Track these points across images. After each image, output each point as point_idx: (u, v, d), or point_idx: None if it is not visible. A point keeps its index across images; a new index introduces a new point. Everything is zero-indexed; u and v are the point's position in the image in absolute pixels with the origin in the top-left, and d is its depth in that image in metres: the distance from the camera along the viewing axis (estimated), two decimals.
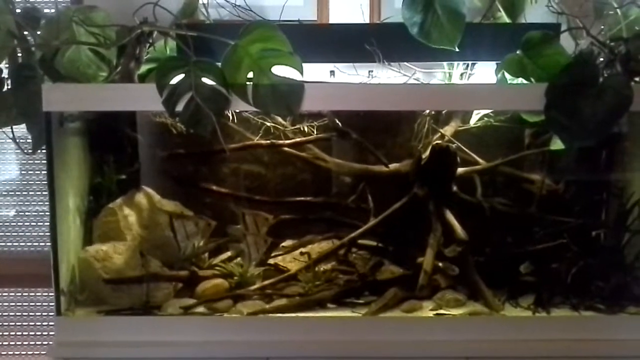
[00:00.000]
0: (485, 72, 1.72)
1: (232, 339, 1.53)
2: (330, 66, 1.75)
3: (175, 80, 1.41)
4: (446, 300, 1.63)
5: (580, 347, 1.53)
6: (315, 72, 1.71)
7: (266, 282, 1.66)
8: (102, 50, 1.55)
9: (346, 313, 1.59)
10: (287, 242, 1.83)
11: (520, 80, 1.56)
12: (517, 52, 1.53)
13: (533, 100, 1.46)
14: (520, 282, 1.68)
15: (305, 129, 1.76)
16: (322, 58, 1.66)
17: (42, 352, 2.20)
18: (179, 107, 1.41)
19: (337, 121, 1.75)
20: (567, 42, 1.59)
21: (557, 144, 1.65)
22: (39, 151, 1.59)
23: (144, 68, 1.59)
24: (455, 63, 1.74)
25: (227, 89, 1.41)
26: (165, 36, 1.59)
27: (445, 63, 1.75)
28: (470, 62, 1.74)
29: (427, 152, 1.72)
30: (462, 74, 1.77)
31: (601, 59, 1.58)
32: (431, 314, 1.59)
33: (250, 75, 1.42)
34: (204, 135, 1.42)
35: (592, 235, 1.72)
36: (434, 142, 1.71)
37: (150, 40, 1.56)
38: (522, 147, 1.78)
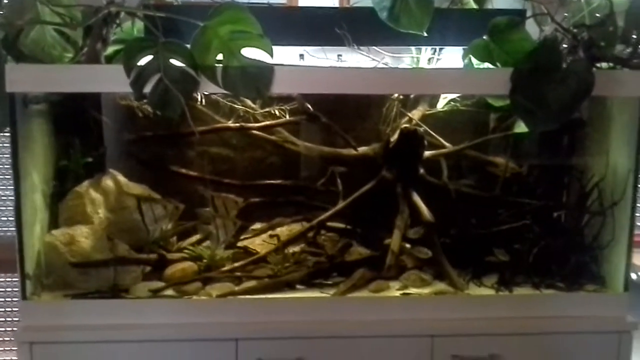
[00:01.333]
0: (452, 57, 1.74)
1: (200, 321, 1.54)
2: (299, 49, 1.75)
3: (143, 61, 1.39)
4: (412, 280, 1.66)
5: (541, 324, 1.59)
6: (284, 55, 1.71)
7: (235, 264, 1.66)
8: (67, 31, 1.51)
9: (315, 294, 1.61)
10: (257, 225, 1.84)
11: (487, 65, 1.59)
12: (484, 37, 1.56)
13: (499, 84, 1.48)
14: (484, 262, 1.73)
15: (275, 112, 1.77)
16: (291, 41, 1.66)
17: (6, 339, 2.18)
18: (147, 89, 1.39)
19: (307, 104, 1.75)
20: (532, 29, 1.62)
21: (520, 128, 1.69)
22: (0, 134, 1.56)
23: (111, 49, 1.56)
24: (423, 48, 1.77)
25: (196, 70, 1.40)
26: (133, 17, 1.56)
27: (413, 48, 1.77)
28: (438, 47, 1.76)
29: (396, 136, 1.74)
30: (429, 59, 1.79)
31: (565, 45, 1.62)
32: (397, 293, 1.62)
33: (220, 57, 1.41)
34: (173, 117, 1.41)
35: (553, 216, 1.77)
36: (402, 126, 1.74)
37: (118, 21, 1.53)
38: (488, 131, 1.82)
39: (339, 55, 1.76)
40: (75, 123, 1.66)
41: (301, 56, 1.78)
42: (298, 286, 1.65)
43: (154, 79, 1.39)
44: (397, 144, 1.72)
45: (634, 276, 1.96)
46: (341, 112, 1.80)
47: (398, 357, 1.56)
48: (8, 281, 2.13)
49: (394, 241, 1.65)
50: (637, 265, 2.00)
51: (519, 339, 1.59)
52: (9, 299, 2.15)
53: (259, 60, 1.43)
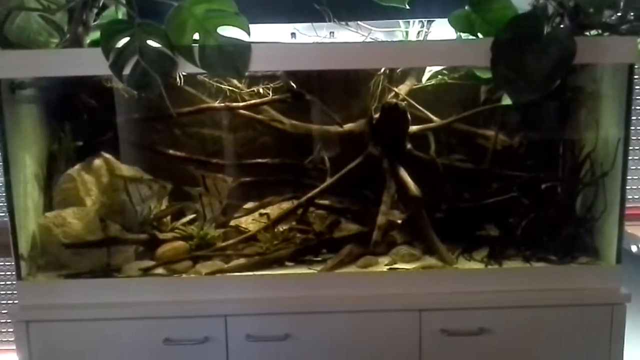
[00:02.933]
0: (442, 30, 1.72)
1: (190, 299, 1.56)
2: (290, 28, 1.75)
3: (121, 43, 1.41)
4: (401, 255, 1.66)
5: (532, 297, 1.57)
6: (275, 33, 1.72)
7: (225, 243, 1.69)
8: (53, 17, 1.54)
9: (303, 270, 1.62)
10: (249, 204, 1.85)
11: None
12: (465, 7, 1.54)
13: (482, 55, 1.45)
14: (475, 237, 1.71)
15: (261, 91, 1.77)
16: (280, 18, 1.67)
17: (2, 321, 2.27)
18: (126, 71, 1.41)
19: (292, 83, 1.76)
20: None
21: (508, 100, 1.66)
22: None
23: (98, 35, 1.58)
24: (411, 21, 1.75)
25: (173, 51, 1.41)
26: (116, 2, 1.58)
27: (401, 22, 1.76)
28: (425, 20, 1.74)
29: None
30: (418, 32, 1.78)
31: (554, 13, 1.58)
32: (385, 268, 1.62)
33: (196, 36, 1.42)
34: (152, 98, 1.43)
35: (545, 188, 1.73)
36: (384, 101, 1.73)
37: (98, 5, 1.55)
38: (477, 103, 1.79)
39: (331, 33, 1.75)
40: (63, 107, 1.69)
41: (293, 34, 1.78)
42: (287, 263, 1.66)
43: (132, 61, 1.40)
44: (380, 120, 1.71)
45: (634, 248, 1.93)
46: (328, 90, 1.80)
47: (386, 331, 1.57)
48: (8, 265, 2.20)
49: (381, 217, 1.65)
50: (638, 237, 1.97)
51: (509, 313, 1.57)
52: (2, 282, 2.24)
53: (235, 39, 1.43)
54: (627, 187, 2.20)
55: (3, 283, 2.28)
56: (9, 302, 2.28)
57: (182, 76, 1.53)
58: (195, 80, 1.73)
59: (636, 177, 2.31)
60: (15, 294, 2.20)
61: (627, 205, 1.60)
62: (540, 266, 1.63)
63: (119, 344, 1.55)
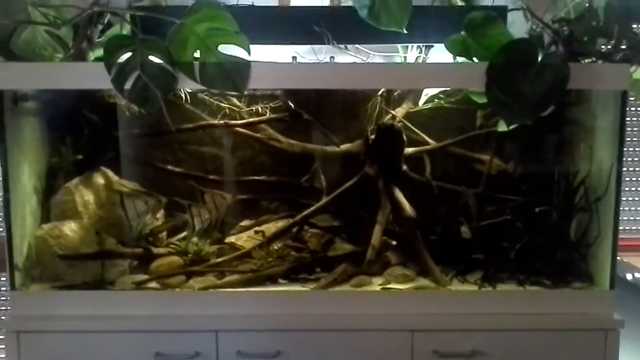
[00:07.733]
0: (440, 56, 1.75)
1: (182, 313, 1.56)
2: (291, 52, 1.78)
3: (124, 58, 1.44)
4: (395, 275, 1.66)
5: (525, 320, 1.57)
6: (276, 57, 1.75)
7: (219, 259, 1.69)
8: (58, 31, 1.57)
9: (295, 288, 1.62)
10: (246, 222, 1.86)
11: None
12: (461, 32, 1.57)
13: (476, 79, 1.48)
14: (469, 259, 1.72)
15: (260, 110, 1.80)
16: (282, 40, 1.70)
17: None
18: (128, 85, 1.44)
19: (290, 102, 1.78)
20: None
21: (504, 126, 1.68)
22: None
23: (102, 53, 1.61)
24: (409, 46, 1.78)
25: (174, 67, 1.44)
26: (120, 18, 1.62)
27: (400, 46, 1.79)
28: (423, 45, 1.77)
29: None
30: (417, 57, 1.81)
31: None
32: (378, 288, 1.62)
33: (197, 54, 1.45)
34: (152, 114, 1.46)
35: (539, 212, 1.74)
36: (380, 122, 1.75)
37: (103, 22, 1.59)
38: (473, 128, 1.81)
39: (331, 57, 1.78)
40: (64, 120, 1.72)
41: (294, 58, 1.81)
42: (281, 280, 1.67)
43: (134, 76, 1.43)
44: (376, 140, 1.73)
45: (629, 276, 1.93)
46: (325, 110, 1.82)
47: (378, 351, 1.56)
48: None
49: (375, 236, 1.66)
50: (634, 266, 1.98)
51: (502, 335, 1.57)
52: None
53: (235, 56, 1.46)
54: (624, 218, 2.23)
55: None
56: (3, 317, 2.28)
57: (186, 93, 1.55)
58: (196, 98, 1.76)
59: (633, 208, 2.32)
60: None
61: (624, 236, 1.61)
62: (534, 290, 1.63)
63: (110, 357, 1.55)
